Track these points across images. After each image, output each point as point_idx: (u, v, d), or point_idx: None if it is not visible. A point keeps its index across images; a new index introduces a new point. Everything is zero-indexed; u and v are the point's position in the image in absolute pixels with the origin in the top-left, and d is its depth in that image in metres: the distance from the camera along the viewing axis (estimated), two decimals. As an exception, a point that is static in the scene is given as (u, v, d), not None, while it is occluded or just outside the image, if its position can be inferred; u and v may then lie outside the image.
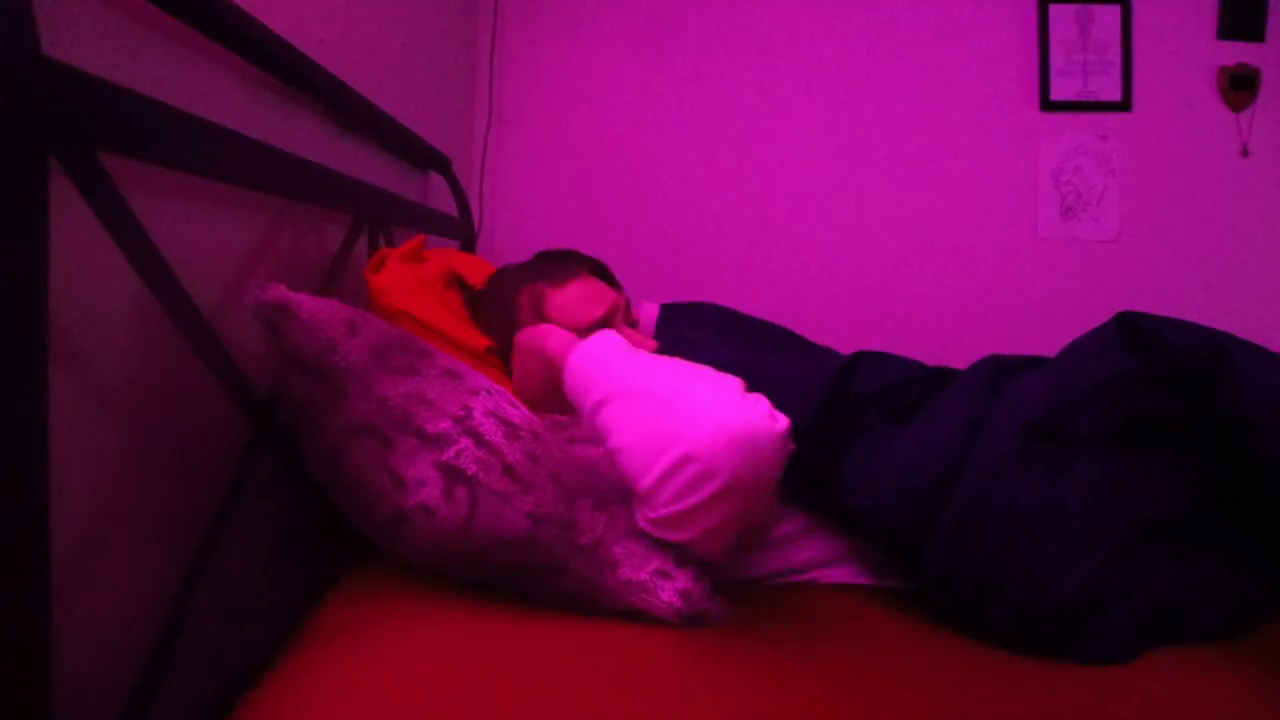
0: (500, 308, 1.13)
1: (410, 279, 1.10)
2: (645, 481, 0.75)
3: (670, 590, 0.77)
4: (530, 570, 0.77)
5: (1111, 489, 0.79)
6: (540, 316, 1.10)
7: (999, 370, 0.95)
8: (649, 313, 1.21)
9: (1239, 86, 2.26)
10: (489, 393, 0.81)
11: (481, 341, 1.07)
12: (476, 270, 1.27)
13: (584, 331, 1.02)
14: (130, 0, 0.71)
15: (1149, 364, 0.81)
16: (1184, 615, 0.77)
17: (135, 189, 0.66)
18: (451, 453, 0.74)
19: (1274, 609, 0.80)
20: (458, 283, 1.17)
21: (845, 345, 1.22)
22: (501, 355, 1.09)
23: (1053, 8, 2.29)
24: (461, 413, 0.76)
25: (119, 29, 0.70)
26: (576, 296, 1.12)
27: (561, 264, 1.17)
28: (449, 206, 1.97)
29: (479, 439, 0.75)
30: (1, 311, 0.47)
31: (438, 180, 1.94)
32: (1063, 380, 0.86)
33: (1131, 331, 0.84)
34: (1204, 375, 0.78)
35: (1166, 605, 0.76)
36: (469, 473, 0.74)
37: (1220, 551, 0.79)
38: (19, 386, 0.48)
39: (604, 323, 1.11)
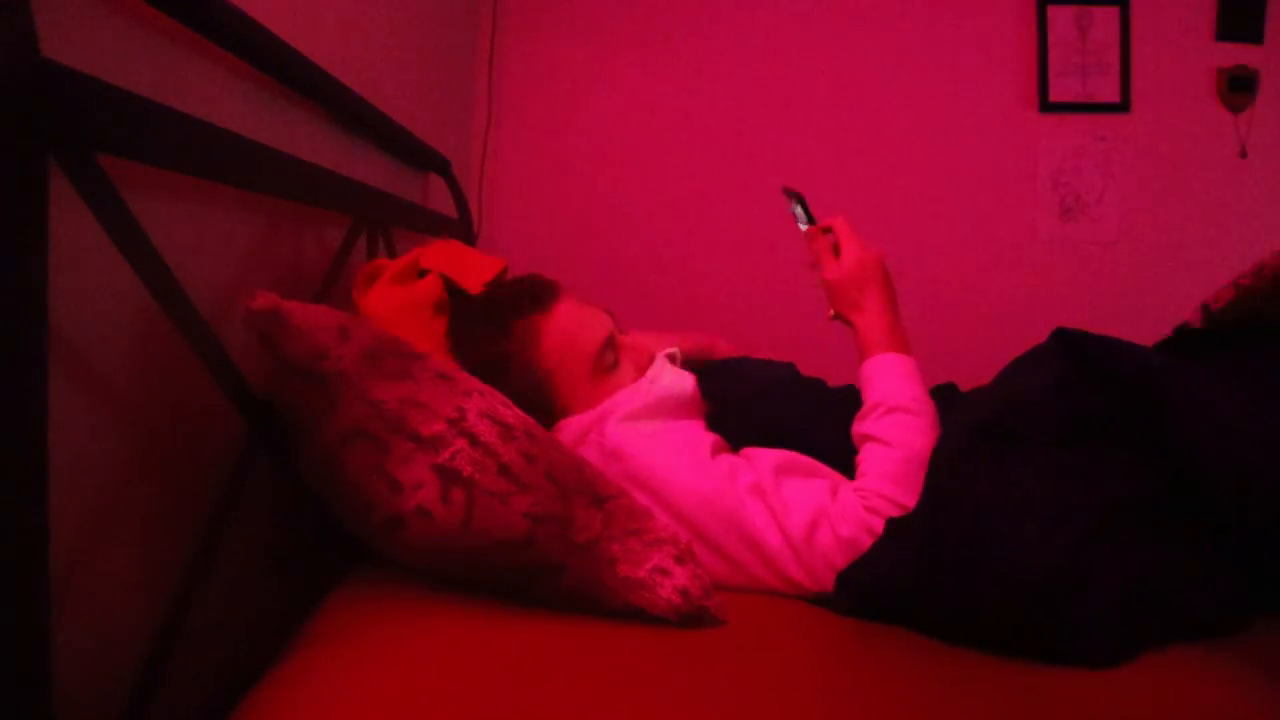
0: (482, 360, 1.02)
1: (396, 305, 1.04)
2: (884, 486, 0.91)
3: (669, 587, 0.78)
4: (529, 570, 0.77)
5: (1064, 474, 0.80)
6: (534, 354, 1.02)
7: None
8: None
9: (1237, 88, 2.27)
10: (481, 394, 0.81)
11: None
12: (477, 270, 1.22)
13: (600, 352, 1.04)
14: (129, 1, 0.71)
15: (1087, 372, 0.83)
16: (1168, 597, 0.76)
17: (135, 190, 0.66)
18: (447, 454, 0.74)
19: (1265, 596, 0.80)
20: (449, 302, 1.12)
21: (846, 348, 1.23)
22: None
23: (1051, 9, 2.30)
24: (455, 414, 0.76)
25: (118, 30, 0.70)
26: (570, 317, 1.05)
27: (519, 296, 1.07)
28: (448, 208, 1.97)
29: (474, 440, 0.75)
30: (1, 312, 0.47)
31: (437, 181, 1.94)
32: (1006, 388, 0.89)
33: (1070, 346, 0.86)
34: (1144, 392, 0.80)
35: (1147, 585, 0.76)
36: (465, 474, 0.74)
37: (1198, 533, 0.79)
38: (19, 387, 0.48)
39: (611, 338, 1.07)
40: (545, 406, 1.03)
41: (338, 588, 0.83)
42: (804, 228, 1.17)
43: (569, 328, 1.04)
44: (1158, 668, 0.73)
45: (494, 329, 1.04)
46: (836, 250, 1.11)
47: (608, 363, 1.05)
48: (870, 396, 1.00)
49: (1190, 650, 0.75)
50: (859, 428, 0.99)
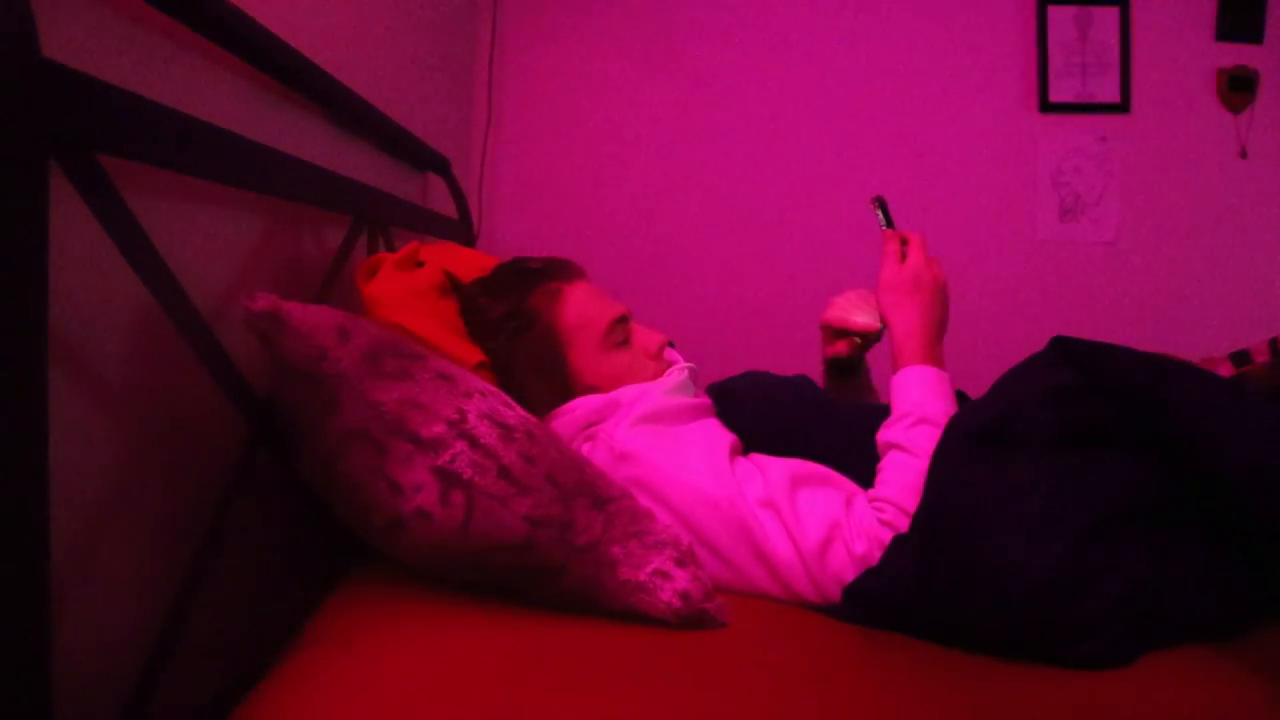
0: (505, 314, 1.09)
1: (403, 290, 1.08)
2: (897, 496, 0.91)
3: (669, 591, 0.78)
4: (529, 572, 0.77)
5: (1061, 478, 0.80)
6: (555, 315, 1.09)
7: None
8: None
9: (1237, 88, 2.27)
10: (483, 395, 0.81)
11: (474, 356, 1.06)
12: (474, 268, 1.25)
13: (612, 326, 1.10)
14: (130, 2, 0.71)
15: (1086, 379, 0.83)
16: (1168, 602, 0.76)
17: (135, 190, 0.66)
18: (447, 457, 0.74)
19: (1264, 597, 0.80)
20: (453, 286, 1.15)
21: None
22: (493, 369, 1.08)
23: (1051, 9, 2.30)
24: (456, 416, 0.76)
25: (119, 31, 0.70)
26: (590, 293, 1.13)
27: (548, 265, 1.16)
28: (448, 208, 1.97)
29: (474, 442, 0.75)
30: (2, 313, 0.47)
31: (437, 181, 1.94)
32: (1002, 395, 0.89)
33: (1067, 354, 0.86)
34: (1144, 397, 0.80)
35: (1146, 590, 0.76)
36: (465, 476, 0.74)
37: (1196, 537, 0.79)
38: (19, 387, 0.48)
39: (625, 317, 1.12)
40: (558, 369, 1.09)
41: (338, 589, 0.83)
42: (883, 230, 1.23)
43: (588, 298, 1.12)
44: (1158, 668, 0.73)
45: (523, 287, 1.11)
46: (904, 258, 1.15)
47: (618, 338, 1.12)
48: (900, 405, 0.99)
49: (1190, 651, 0.75)
50: (884, 435, 0.98)
